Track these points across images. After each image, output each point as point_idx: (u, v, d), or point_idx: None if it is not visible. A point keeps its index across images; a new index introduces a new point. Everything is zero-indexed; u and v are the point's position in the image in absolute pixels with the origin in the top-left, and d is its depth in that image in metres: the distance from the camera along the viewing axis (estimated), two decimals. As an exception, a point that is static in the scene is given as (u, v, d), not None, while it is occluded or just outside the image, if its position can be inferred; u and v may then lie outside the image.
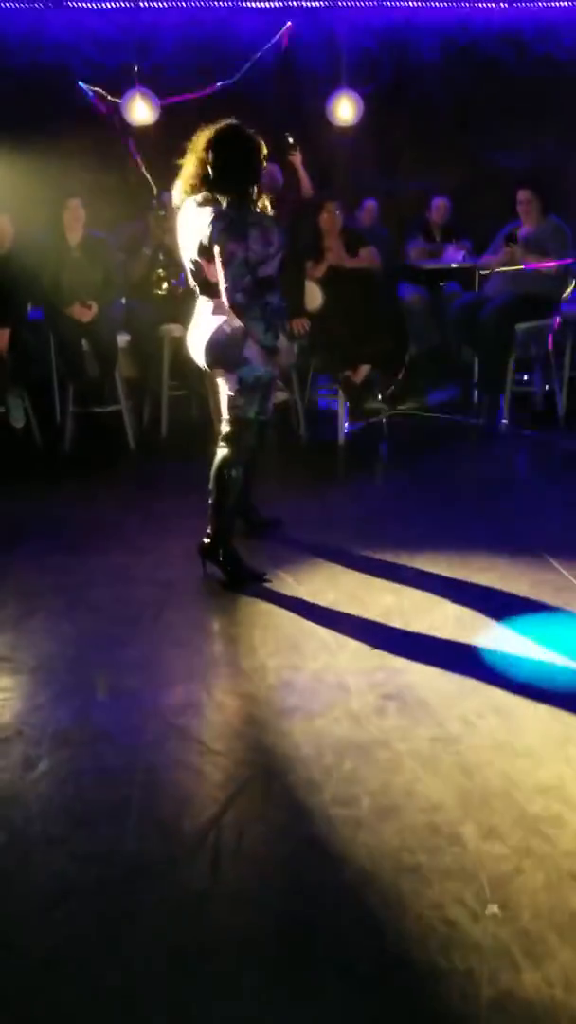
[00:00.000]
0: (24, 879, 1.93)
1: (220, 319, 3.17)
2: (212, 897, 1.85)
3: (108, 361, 5.09)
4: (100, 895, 1.86)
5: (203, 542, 3.33)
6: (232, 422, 3.26)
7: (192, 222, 3.14)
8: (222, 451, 3.29)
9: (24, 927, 1.80)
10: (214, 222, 3.03)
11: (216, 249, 3.02)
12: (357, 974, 1.65)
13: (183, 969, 1.68)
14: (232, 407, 3.25)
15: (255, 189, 3.13)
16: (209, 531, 3.32)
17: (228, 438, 3.28)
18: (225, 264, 3.01)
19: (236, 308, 3.04)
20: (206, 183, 3.09)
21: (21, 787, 2.20)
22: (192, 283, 3.26)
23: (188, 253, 3.20)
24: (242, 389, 3.19)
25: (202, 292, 3.23)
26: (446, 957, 1.67)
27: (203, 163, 3.08)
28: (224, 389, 3.26)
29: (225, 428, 3.29)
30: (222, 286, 3.04)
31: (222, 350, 3.18)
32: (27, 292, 5.17)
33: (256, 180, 3.13)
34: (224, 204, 3.06)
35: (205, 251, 3.09)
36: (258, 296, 3.05)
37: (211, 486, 3.29)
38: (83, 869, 1.93)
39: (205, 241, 3.06)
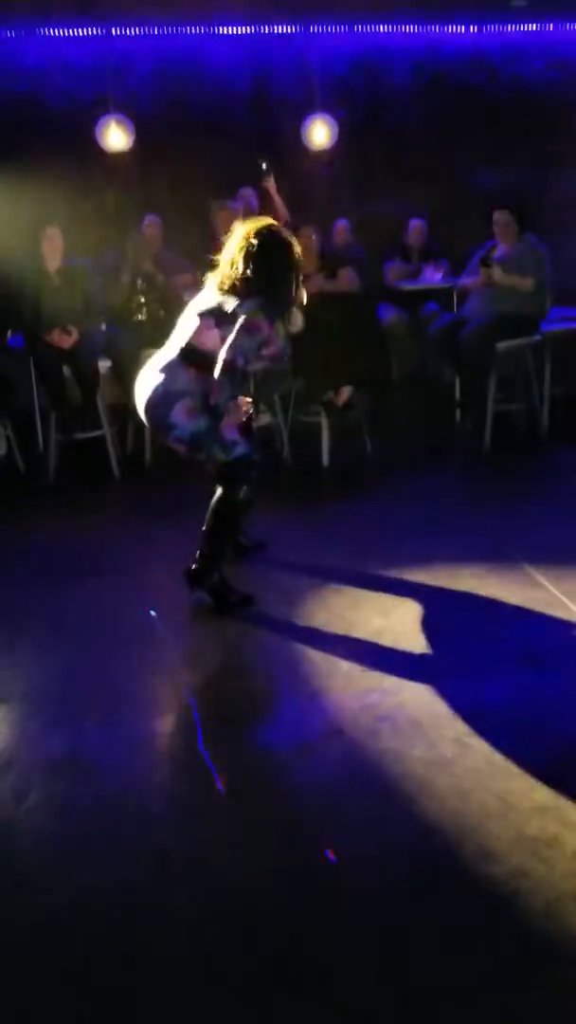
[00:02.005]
0: (15, 913, 1.89)
1: (159, 379, 3.17)
2: (206, 925, 1.82)
3: (90, 387, 5.09)
4: (94, 928, 1.83)
5: (190, 568, 3.32)
6: (215, 474, 3.27)
7: (211, 296, 3.17)
8: (218, 492, 3.28)
9: (16, 963, 1.76)
10: (253, 299, 3.06)
11: (242, 315, 3.03)
12: (356, 997, 1.63)
13: (184, 1000, 1.65)
14: (202, 464, 3.28)
15: (292, 287, 3.16)
16: (198, 556, 3.30)
17: (223, 483, 3.27)
18: (245, 330, 3.02)
19: (225, 368, 3.01)
20: (241, 287, 3.10)
21: (12, 819, 2.17)
22: (171, 339, 3.24)
23: (190, 313, 3.21)
24: (189, 448, 3.20)
25: (175, 350, 3.19)
26: (450, 979, 1.65)
27: (239, 269, 3.09)
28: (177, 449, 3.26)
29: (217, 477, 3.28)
30: (226, 344, 3.01)
31: (152, 409, 3.20)
32: (7, 319, 5.16)
33: (293, 283, 3.16)
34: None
35: (219, 314, 3.09)
36: (240, 376, 3.10)
37: (208, 514, 3.28)
38: (76, 902, 1.91)
39: (227, 308, 3.08)
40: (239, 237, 3.14)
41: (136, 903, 1.90)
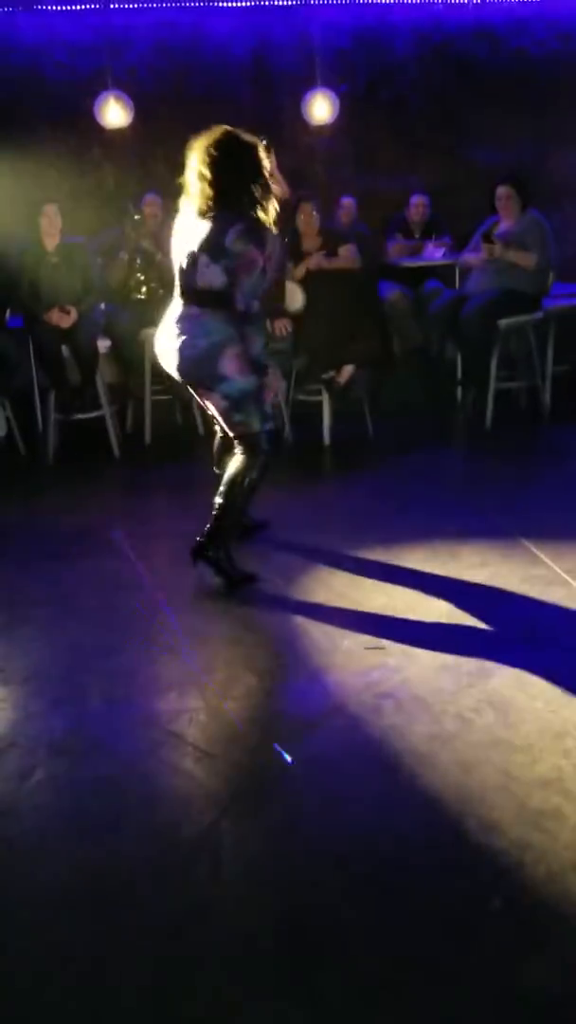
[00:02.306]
0: (21, 890, 1.90)
1: (187, 333, 3.09)
2: (212, 903, 1.83)
3: (89, 367, 5.06)
4: (99, 905, 1.84)
5: (197, 540, 3.28)
6: (239, 439, 3.19)
7: (194, 226, 3.08)
8: (237, 461, 3.20)
9: (21, 938, 1.77)
10: (234, 227, 2.97)
11: (236, 254, 2.97)
12: (360, 975, 1.64)
13: (185, 977, 1.66)
14: (232, 425, 3.19)
15: (261, 192, 3.04)
16: (206, 530, 3.27)
17: (243, 452, 3.20)
18: (245, 270, 2.97)
19: (247, 316, 2.99)
20: (216, 200, 3.01)
21: (17, 797, 2.18)
22: (177, 287, 3.17)
23: (182, 255, 3.12)
24: (231, 405, 3.13)
25: (188, 298, 3.13)
26: (452, 954, 1.67)
27: (209, 181, 2.99)
28: (212, 408, 3.21)
29: (237, 446, 3.21)
30: (237, 291, 2.98)
31: (197, 367, 3.10)
32: (5, 299, 5.13)
33: (262, 185, 3.04)
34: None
35: (220, 252, 3.00)
36: (257, 316, 3.07)
37: (222, 489, 3.22)
38: (81, 879, 1.91)
39: (226, 243, 2.97)
40: (200, 151, 3.00)
41: (137, 880, 1.90)
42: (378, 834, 1.99)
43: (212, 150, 2.99)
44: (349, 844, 1.97)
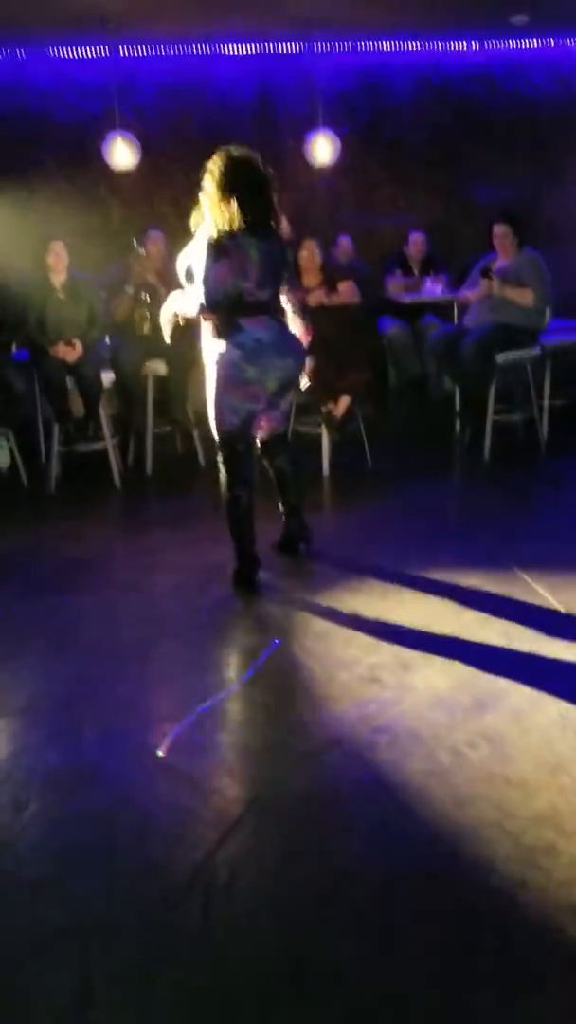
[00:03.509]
0: (12, 923, 1.90)
1: (294, 340, 3.57)
2: (204, 938, 1.83)
3: (93, 399, 5.13)
4: (91, 939, 1.84)
5: (296, 537, 3.87)
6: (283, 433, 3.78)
7: (263, 248, 3.34)
8: (294, 453, 3.81)
9: (11, 972, 1.77)
10: (286, 248, 3.50)
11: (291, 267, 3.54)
12: (355, 1014, 1.64)
13: (176, 1013, 1.66)
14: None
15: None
16: (295, 521, 3.85)
17: (292, 448, 3.82)
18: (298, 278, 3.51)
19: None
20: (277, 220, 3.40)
21: (11, 830, 2.18)
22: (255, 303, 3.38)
23: (261, 275, 3.35)
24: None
25: (275, 311, 3.46)
26: (449, 992, 1.66)
27: (220, 199, 3.25)
28: (284, 407, 3.65)
29: (285, 441, 3.76)
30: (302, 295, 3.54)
31: (303, 357, 3.66)
32: (12, 333, 5.21)
33: (266, 190, 3.38)
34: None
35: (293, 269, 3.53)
36: None
37: (292, 482, 3.78)
38: (73, 913, 1.91)
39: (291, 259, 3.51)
40: (205, 179, 3.27)
41: (127, 915, 1.89)
42: (372, 871, 1.99)
43: (211, 168, 3.30)
44: (343, 880, 1.97)
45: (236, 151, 3.30)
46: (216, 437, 3.50)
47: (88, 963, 1.77)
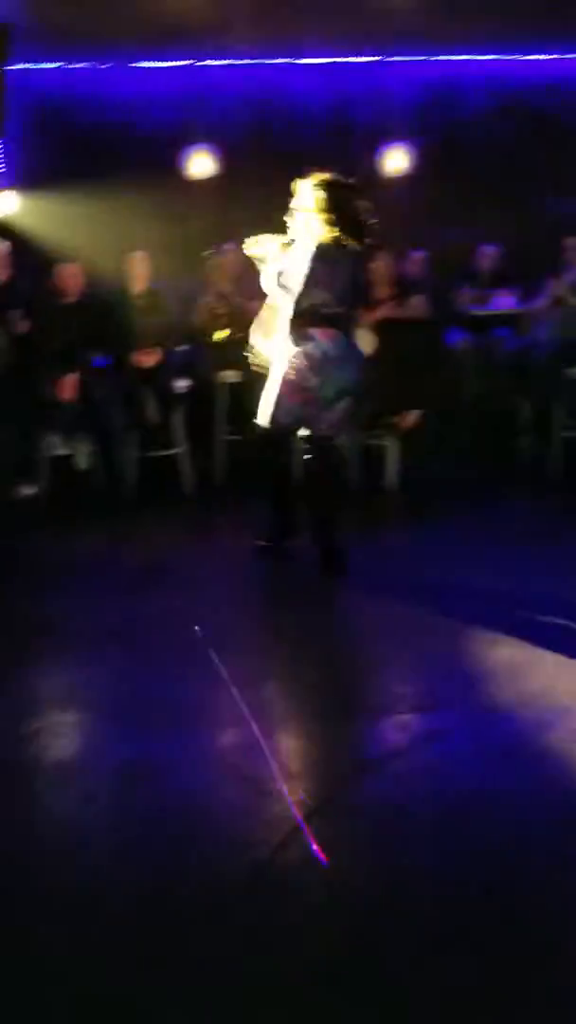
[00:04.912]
0: (79, 913, 1.94)
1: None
2: (266, 938, 1.85)
3: (169, 406, 5.30)
4: (153, 934, 1.87)
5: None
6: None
7: (348, 265, 3.59)
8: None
9: (76, 962, 1.80)
10: (362, 264, 3.79)
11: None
12: (415, 1013, 1.69)
13: (238, 1007, 1.69)
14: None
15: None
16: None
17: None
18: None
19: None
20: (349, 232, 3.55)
21: (79, 821, 2.25)
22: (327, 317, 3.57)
23: (343, 291, 3.60)
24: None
25: (337, 325, 3.60)
26: (504, 1003, 1.71)
27: (346, 216, 3.50)
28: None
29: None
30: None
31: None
32: (94, 340, 5.42)
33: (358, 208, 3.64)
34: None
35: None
36: None
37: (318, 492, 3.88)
38: (136, 907, 1.94)
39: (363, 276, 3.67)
40: (307, 195, 3.51)
41: (190, 912, 1.92)
42: (432, 879, 2.03)
43: (315, 188, 3.57)
44: (403, 888, 2.01)
45: (332, 173, 3.56)
46: (262, 425, 3.73)
47: (146, 959, 1.79)
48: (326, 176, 3.53)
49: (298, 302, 3.51)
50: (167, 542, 4.55)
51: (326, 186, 3.50)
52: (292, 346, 3.58)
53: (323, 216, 3.46)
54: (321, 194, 3.48)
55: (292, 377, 3.58)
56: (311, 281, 3.47)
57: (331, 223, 3.45)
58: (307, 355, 3.55)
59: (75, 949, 1.85)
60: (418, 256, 6.37)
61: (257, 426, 3.77)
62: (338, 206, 3.46)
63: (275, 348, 3.70)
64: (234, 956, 1.81)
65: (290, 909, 1.96)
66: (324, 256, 3.45)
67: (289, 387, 3.60)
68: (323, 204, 3.48)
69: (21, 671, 3.08)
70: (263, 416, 3.70)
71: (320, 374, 3.55)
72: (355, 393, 3.79)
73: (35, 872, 2.09)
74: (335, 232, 3.46)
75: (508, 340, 5.89)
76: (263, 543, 3.97)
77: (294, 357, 3.57)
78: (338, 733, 2.69)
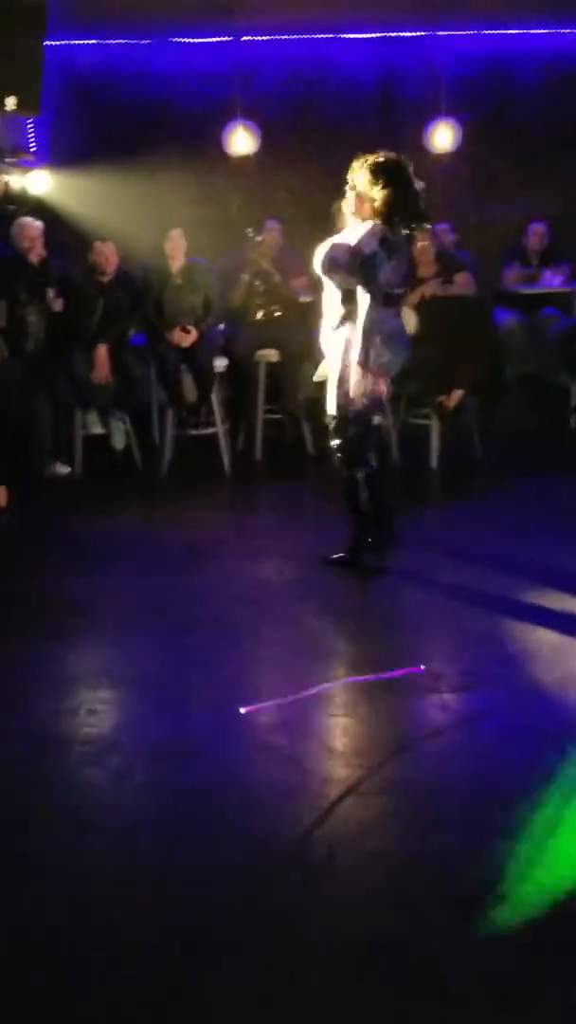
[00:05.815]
0: (116, 887, 1.95)
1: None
2: (301, 913, 1.86)
3: (206, 385, 5.23)
4: (190, 908, 1.88)
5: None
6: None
7: (407, 247, 3.65)
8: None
9: (115, 936, 1.81)
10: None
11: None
12: (451, 994, 1.64)
13: (273, 983, 1.69)
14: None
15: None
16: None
17: None
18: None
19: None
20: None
21: (117, 797, 2.26)
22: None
23: (407, 272, 3.63)
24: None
25: (398, 304, 3.59)
26: (551, 985, 1.65)
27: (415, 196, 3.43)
28: None
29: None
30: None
31: None
32: (131, 317, 5.36)
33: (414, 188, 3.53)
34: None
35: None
36: None
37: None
38: (174, 881, 1.96)
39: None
40: (361, 172, 3.41)
41: (226, 886, 1.93)
42: (470, 861, 1.98)
43: (371, 167, 3.45)
44: (441, 867, 1.97)
45: (390, 153, 3.46)
46: (347, 415, 3.53)
47: (189, 931, 1.81)
48: (386, 157, 3.45)
49: (382, 287, 3.43)
50: (204, 521, 4.51)
51: (387, 167, 3.41)
52: (363, 330, 3.45)
53: (385, 198, 3.38)
54: (382, 176, 3.40)
55: (372, 357, 3.46)
56: (381, 264, 3.39)
57: (394, 206, 3.37)
58: (383, 335, 3.45)
59: (107, 923, 1.83)
60: (441, 229, 6.17)
61: (329, 416, 3.62)
62: (400, 188, 3.38)
63: (337, 334, 3.57)
64: (267, 933, 1.81)
65: (328, 886, 1.94)
66: (391, 239, 3.40)
67: (374, 369, 3.48)
68: (385, 186, 3.38)
69: (59, 649, 3.06)
70: (356, 395, 3.55)
71: (392, 351, 3.51)
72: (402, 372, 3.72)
73: (70, 846, 2.08)
74: (399, 214, 3.39)
75: (557, 320, 5.72)
76: (339, 556, 3.65)
77: (375, 338, 3.45)
78: (379, 711, 2.66)
